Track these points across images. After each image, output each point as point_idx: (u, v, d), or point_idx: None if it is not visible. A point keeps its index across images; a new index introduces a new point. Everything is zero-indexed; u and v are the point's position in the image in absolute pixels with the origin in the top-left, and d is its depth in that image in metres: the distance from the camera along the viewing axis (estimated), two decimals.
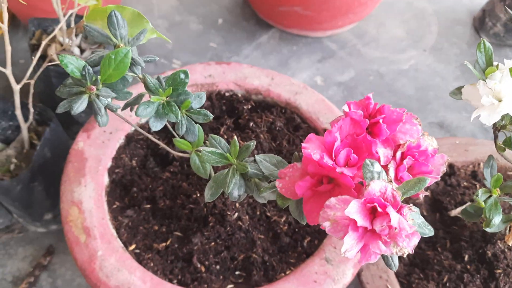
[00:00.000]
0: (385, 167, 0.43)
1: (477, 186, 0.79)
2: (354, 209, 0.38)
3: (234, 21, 1.39)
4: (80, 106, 0.43)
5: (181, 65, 1.27)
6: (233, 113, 0.82)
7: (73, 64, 0.43)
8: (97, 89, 0.44)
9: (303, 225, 0.69)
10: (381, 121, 0.43)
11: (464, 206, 0.74)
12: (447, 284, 0.68)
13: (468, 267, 0.70)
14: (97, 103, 0.44)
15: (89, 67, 0.43)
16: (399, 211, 0.39)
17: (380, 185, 0.39)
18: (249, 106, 0.81)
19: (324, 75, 1.29)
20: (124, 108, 0.52)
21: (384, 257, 0.43)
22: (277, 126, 0.78)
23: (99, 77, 0.44)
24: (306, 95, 0.80)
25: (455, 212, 0.74)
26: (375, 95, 1.26)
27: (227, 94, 0.82)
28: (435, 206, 0.77)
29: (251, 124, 0.78)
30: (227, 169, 0.49)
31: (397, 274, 0.70)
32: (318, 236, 0.68)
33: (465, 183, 0.79)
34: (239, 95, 0.82)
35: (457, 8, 1.49)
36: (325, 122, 0.77)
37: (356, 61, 1.34)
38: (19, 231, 0.96)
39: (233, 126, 0.79)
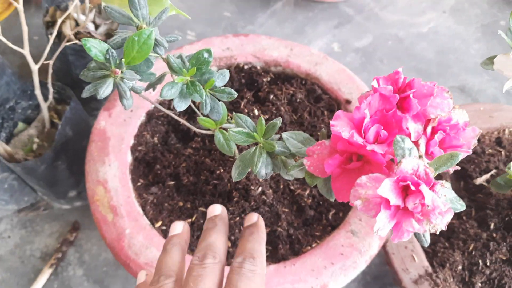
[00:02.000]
0: (416, 143, 0.43)
1: (502, 153, 0.78)
2: (386, 188, 0.37)
3: None
4: (106, 90, 0.43)
5: (196, 37, 1.26)
6: (252, 86, 0.81)
7: (96, 47, 0.42)
8: (122, 72, 0.44)
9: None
10: (411, 95, 0.42)
11: (489, 174, 0.74)
12: (473, 253, 0.68)
13: (494, 235, 0.69)
14: (122, 86, 0.44)
15: (113, 50, 0.43)
16: (432, 188, 0.38)
17: (412, 162, 0.39)
18: (269, 78, 0.80)
19: (341, 42, 1.27)
20: (147, 88, 0.52)
21: (416, 234, 0.43)
22: (298, 98, 0.77)
23: (122, 59, 0.44)
24: (327, 65, 0.79)
25: (480, 180, 0.73)
26: (393, 60, 1.23)
27: (246, 66, 0.81)
28: (459, 174, 0.77)
29: (271, 96, 0.78)
30: (254, 147, 0.49)
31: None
32: (343, 208, 0.68)
33: (490, 150, 0.78)
34: (258, 68, 0.81)
35: None
36: (347, 92, 0.76)
37: (374, 25, 1.31)
38: (44, 208, 0.98)
39: (253, 100, 0.79)
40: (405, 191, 0.39)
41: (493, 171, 0.74)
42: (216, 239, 0.45)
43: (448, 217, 0.38)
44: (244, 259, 0.43)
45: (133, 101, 0.47)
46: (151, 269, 0.60)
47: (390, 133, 0.42)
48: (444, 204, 0.37)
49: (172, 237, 0.47)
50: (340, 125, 0.42)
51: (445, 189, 0.41)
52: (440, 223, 0.38)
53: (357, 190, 0.40)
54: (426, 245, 0.42)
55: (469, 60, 1.25)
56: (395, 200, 0.38)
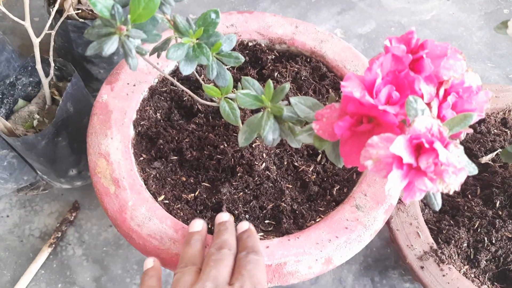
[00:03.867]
0: (428, 105, 0.42)
1: (508, 133, 0.77)
2: (400, 146, 0.37)
3: None
4: (111, 47, 0.42)
5: None
6: (256, 63, 0.80)
7: (102, 3, 0.41)
8: (127, 30, 0.43)
9: (332, 174, 0.69)
10: (424, 56, 0.41)
11: (494, 153, 0.73)
12: (478, 230, 0.68)
13: (500, 212, 0.69)
14: (127, 44, 0.43)
15: (118, 6, 0.42)
16: (445, 147, 0.37)
17: (426, 121, 0.38)
18: (273, 56, 0.80)
19: (344, 28, 1.26)
20: (152, 52, 0.51)
21: (427, 195, 0.42)
22: (303, 75, 0.76)
23: (128, 16, 0.43)
24: (332, 43, 0.78)
25: (486, 158, 0.72)
26: None
27: (250, 44, 0.80)
28: (464, 154, 0.76)
29: (275, 74, 0.77)
30: (261, 113, 0.48)
31: (427, 221, 0.70)
32: (347, 184, 0.67)
33: (495, 130, 0.77)
34: (263, 45, 0.80)
35: None
36: (352, 70, 0.75)
37: (376, 12, 1.30)
38: (44, 188, 0.97)
39: (257, 77, 0.78)
40: (418, 150, 0.38)
41: (499, 151, 0.73)
42: (229, 238, 0.54)
43: (462, 176, 0.37)
44: (248, 253, 0.51)
45: (138, 62, 0.46)
46: (154, 241, 0.59)
47: (402, 95, 0.41)
48: (458, 162, 0.36)
49: (194, 233, 0.56)
50: (351, 86, 0.41)
51: (459, 150, 0.40)
52: (454, 182, 0.37)
53: (368, 151, 0.39)
54: (438, 208, 0.41)
55: (472, 47, 1.24)
56: (408, 158, 0.37)
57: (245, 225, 0.57)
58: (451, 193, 0.37)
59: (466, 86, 0.43)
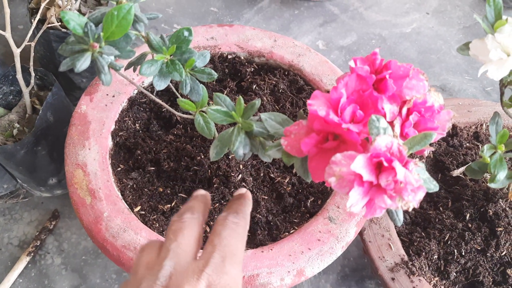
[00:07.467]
0: (391, 123, 0.43)
1: (480, 147, 0.79)
2: (360, 164, 0.38)
3: None
4: (83, 63, 0.43)
5: None
6: (236, 76, 0.81)
7: (75, 20, 0.42)
8: (100, 47, 0.44)
9: (306, 185, 0.70)
10: (387, 76, 0.43)
11: (466, 166, 0.75)
12: (449, 242, 0.69)
13: (470, 225, 0.71)
14: (100, 61, 0.44)
15: (92, 24, 0.43)
16: (405, 165, 0.39)
17: (386, 140, 0.39)
18: (252, 69, 0.81)
19: (326, 39, 1.28)
20: (127, 67, 0.52)
21: (389, 211, 0.43)
22: (280, 88, 0.78)
23: (101, 34, 0.44)
24: (309, 57, 0.79)
25: (457, 172, 0.74)
26: None
27: (229, 56, 0.81)
28: (437, 167, 0.78)
29: (254, 86, 0.78)
30: (232, 128, 0.49)
31: (399, 233, 0.71)
32: (321, 196, 0.69)
33: (467, 144, 0.79)
34: (242, 58, 0.81)
35: None
36: (329, 83, 0.77)
37: (358, 24, 1.32)
38: (24, 196, 0.97)
39: (236, 89, 0.79)
40: (378, 168, 0.39)
41: (470, 164, 0.75)
42: (195, 203, 0.46)
43: (421, 195, 0.38)
44: (228, 213, 0.45)
45: (111, 78, 0.46)
46: (128, 253, 0.59)
47: (366, 113, 0.43)
48: (416, 181, 0.37)
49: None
50: (317, 104, 0.43)
51: (419, 168, 0.41)
52: (413, 200, 0.38)
53: (332, 168, 0.40)
54: (399, 224, 0.42)
55: (450, 60, 1.27)
56: (368, 176, 0.38)
57: (242, 190, 0.50)
58: (410, 210, 0.38)
59: (428, 105, 0.44)
